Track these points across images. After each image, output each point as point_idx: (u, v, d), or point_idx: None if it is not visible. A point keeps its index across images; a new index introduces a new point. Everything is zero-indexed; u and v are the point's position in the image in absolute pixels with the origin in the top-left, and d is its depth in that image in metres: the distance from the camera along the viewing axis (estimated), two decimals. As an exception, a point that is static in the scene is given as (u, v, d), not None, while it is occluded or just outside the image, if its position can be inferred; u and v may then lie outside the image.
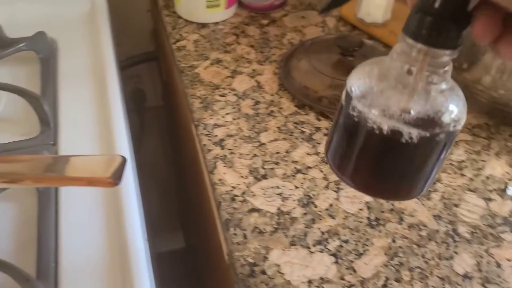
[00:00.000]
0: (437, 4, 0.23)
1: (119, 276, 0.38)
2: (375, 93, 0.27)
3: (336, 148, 0.30)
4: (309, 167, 0.48)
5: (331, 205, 0.44)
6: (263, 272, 0.39)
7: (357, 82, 0.28)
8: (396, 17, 0.66)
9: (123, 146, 0.49)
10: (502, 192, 0.46)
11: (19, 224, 0.42)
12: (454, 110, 0.26)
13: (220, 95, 0.56)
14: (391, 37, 0.64)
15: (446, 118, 0.26)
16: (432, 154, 0.27)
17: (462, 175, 0.48)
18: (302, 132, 0.52)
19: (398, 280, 0.39)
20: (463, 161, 0.49)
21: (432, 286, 0.39)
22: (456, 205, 0.45)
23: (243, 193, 0.45)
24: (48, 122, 0.49)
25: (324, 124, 0.53)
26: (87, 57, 0.61)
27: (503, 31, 0.22)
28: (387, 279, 0.39)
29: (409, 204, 0.45)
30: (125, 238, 0.40)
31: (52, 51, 0.61)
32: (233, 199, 0.45)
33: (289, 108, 0.54)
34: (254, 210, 0.44)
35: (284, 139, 0.51)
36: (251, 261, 0.40)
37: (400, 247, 0.41)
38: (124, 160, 0.32)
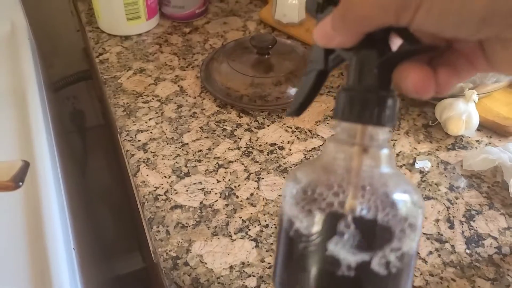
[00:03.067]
0: (359, 79, 0.22)
1: (41, 286, 0.38)
2: (314, 205, 0.23)
3: (287, 274, 0.25)
4: (231, 162, 0.49)
5: (252, 194, 0.46)
6: (186, 264, 0.40)
7: (290, 202, 0.24)
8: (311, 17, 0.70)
9: (46, 171, 0.48)
10: (411, 166, 0.49)
11: None
12: (407, 199, 0.23)
13: (143, 102, 0.57)
14: (307, 35, 0.67)
15: (401, 209, 0.23)
16: (404, 263, 0.23)
17: (375, 154, 0.51)
18: (224, 129, 0.53)
19: (315, 256, 0.41)
20: (376, 142, 0.52)
21: (348, 258, 0.41)
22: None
23: (166, 191, 0.46)
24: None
25: (245, 120, 0.55)
26: (7, 80, 0.60)
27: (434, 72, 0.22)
28: (305, 256, 0.41)
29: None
30: (45, 246, 0.40)
31: (-30, 74, 0.60)
32: (156, 199, 0.45)
33: (212, 109, 0.56)
34: (177, 206, 0.45)
35: (207, 137, 0.52)
36: (174, 254, 0.41)
37: (317, 226, 0.43)
38: (25, 164, 0.32)
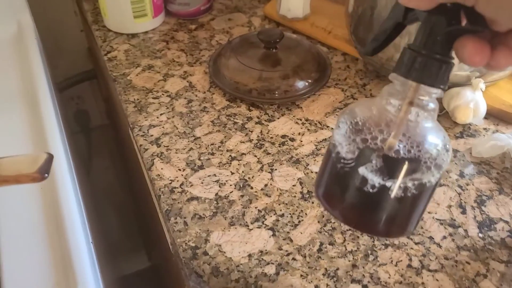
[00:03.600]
0: (424, 42, 0.25)
1: (63, 278, 0.39)
2: (360, 136, 0.27)
3: (326, 186, 0.30)
4: (243, 154, 0.50)
5: (266, 185, 0.47)
6: (205, 253, 0.41)
7: (341, 129, 0.29)
8: (316, 11, 0.71)
9: (63, 168, 0.48)
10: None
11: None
12: (439, 143, 0.27)
13: (154, 98, 0.57)
14: (312, 29, 0.68)
15: (432, 151, 0.27)
16: (423, 193, 0.28)
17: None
18: (235, 123, 0.54)
19: (332, 243, 0.42)
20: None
21: (364, 244, 0.42)
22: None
23: (181, 184, 0.47)
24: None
25: (255, 113, 0.55)
26: (17, 80, 0.61)
27: (493, 49, 0.24)
28: (321, 243, 0.42)
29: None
30: (66, 239, 0.41)
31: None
32: (172, 191, 0.46)
33: (221, 103, 0.57)
34: (193, 198, 0.45)
35: (218, 131, 0.53)
36: (193, 245, 0.41)
37: (332, 214, 0.44)
38: (50, 156, 0.33)
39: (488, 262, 0.40)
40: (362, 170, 0.27)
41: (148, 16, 0.68)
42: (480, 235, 0.42)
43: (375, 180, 0.27)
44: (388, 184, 0.27)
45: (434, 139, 0.28)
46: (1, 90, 0.59)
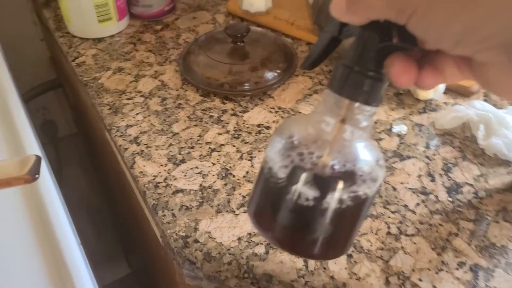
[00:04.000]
0: (357, 59, 0.24)
1: (58, 281, 0.39)
2: (293, 153, 0.27)
3: (258, 206, 0.29)
4: (222, 145, 0.52)
5: (247, 172, 0.49)
6: (196, 241, 0.42)
7: (275, 147, 0.28)
8: (277, 5, 0.73)
9: (44, 174, 0.48)
10: (389, 131, 0.53)
11: None
12: (372, 161, 0.27)
13: (128, 99, 0.58)
14: (275, 22, 0.70)
15: (365, 168, 0.27)
16: (356, 211, 0.27)
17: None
18: (211, 116, 0.56)
19: (315, 220, 0.44)
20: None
21: (345, 218, 0.44)
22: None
23: (165, 179, 0.48)
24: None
25: (229, 106, 0.57)
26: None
27: (421, 69, 0.24)
28: (305, 221, 0.44)
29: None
30: (57, 243, 0.41)
31: None
32: (156, 186, 0.47)
33: (195, 98, 0.58)
34: (178, 191, 0.47)
35: (195, 125, 0.54)
36: (183, 234, 0.43)
37: (312, 193, 0.46)
38: (38, 158, 0.33)
39: (458, 222, 0.44)
40: (294, 189, 0.26)
41: (113, 19, 0.68)
42: (449, 199, 0.46)
43: (308, 199, 0.26)
44: (321, 203, 0.26)
45: (368, 156, 0.27)
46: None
